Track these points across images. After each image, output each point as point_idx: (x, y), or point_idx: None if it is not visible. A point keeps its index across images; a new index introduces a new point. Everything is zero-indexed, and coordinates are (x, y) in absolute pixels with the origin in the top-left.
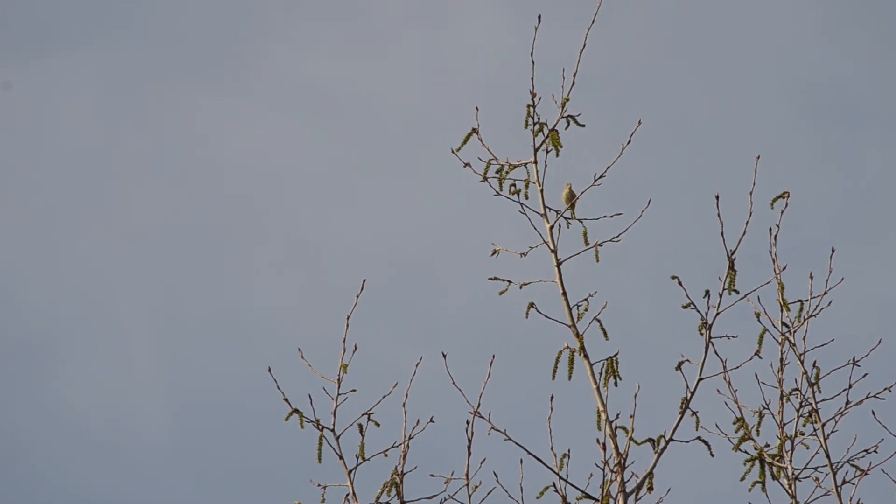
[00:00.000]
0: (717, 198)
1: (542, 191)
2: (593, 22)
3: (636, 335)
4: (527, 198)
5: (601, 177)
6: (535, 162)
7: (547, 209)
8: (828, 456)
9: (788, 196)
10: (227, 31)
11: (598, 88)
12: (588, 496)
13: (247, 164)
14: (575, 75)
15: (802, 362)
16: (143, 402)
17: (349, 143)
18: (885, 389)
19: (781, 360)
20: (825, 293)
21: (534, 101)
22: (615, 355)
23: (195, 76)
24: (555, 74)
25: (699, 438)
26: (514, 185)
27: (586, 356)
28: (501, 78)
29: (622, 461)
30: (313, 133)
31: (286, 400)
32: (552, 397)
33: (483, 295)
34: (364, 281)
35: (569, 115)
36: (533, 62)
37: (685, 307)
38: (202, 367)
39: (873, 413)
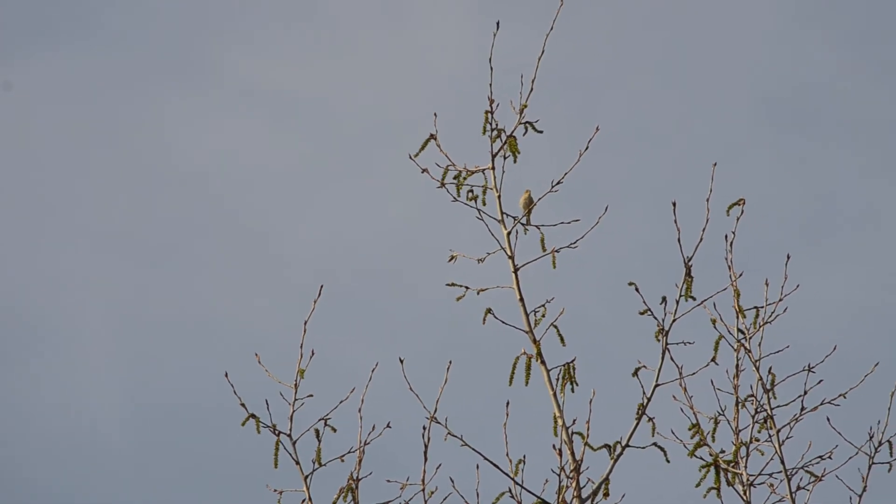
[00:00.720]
0: (674, 204)
1: (499, 197)
2: (552, 28)
3: (593, 341)
4: (484, 204)
5: (558, 183)
6: (493, 168)
7: (504, 215)
8: (782, 462)
9: (744, 203)
10: (188, 33)
11: (557, 92)
12: (544, 502)
13: (208, 166)
14: (533, 81)
15: (758, 369)
16: (100, 403)
17: (310, 144)
18: (840, 396)
19: (737, 366)
20: (781, 300)
21: (492, 108)
22: (572, 361)
23: (158, 78)
24: (514, 76)
25: (655, 444)
26: (472, 191)
27: (543, 362)
28: (462, 78)
29: (578, 467)
30: (275, 134)
31: (243, 405)
32: (508, 403)
33: (441, 300)
34: (322, 287)
35: (527, 122)
36: (491, 68)
37: (642, 313)
38: (160, 369)
39: (828, 419)
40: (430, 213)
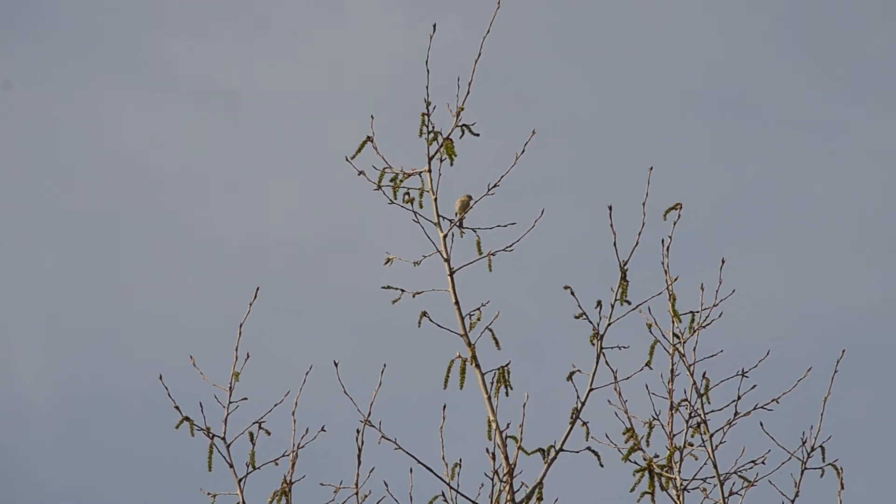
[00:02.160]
0: (611, 208)
1: (435, 200)
2: (488, 31)
3: (528, 345)
4: (421, 206)
5: (495, 186)
6: (430, 171)
7: (441, 218)
8: (715, 467)
9: (681, 207)
10: (126, 24)
11: (493, 90)
12: None
13: (142, 156)
14: (470, 84)
15: (692, 373)
16: (30, 399)
17: (245, 137)
18: (773, 401)
19: (672, 370)
20: (716, 304)
21: (428, 110)
22: (506, 365)
23: (93, 67)
24: (451, 69)
25: (589, 449)
26: (409, 193)
27: (478, 366)
28: (400, 73)
29: (511, 471)
30: (209, 127)
31: (177, 408)
32: (444, 406)
33: (376, 302)
34: (258, 289)
35: (463, 125)
36: (428, 70)
37: (577, 317)
38: (89, 362)
39: (761, 424)
40: (366, 213)
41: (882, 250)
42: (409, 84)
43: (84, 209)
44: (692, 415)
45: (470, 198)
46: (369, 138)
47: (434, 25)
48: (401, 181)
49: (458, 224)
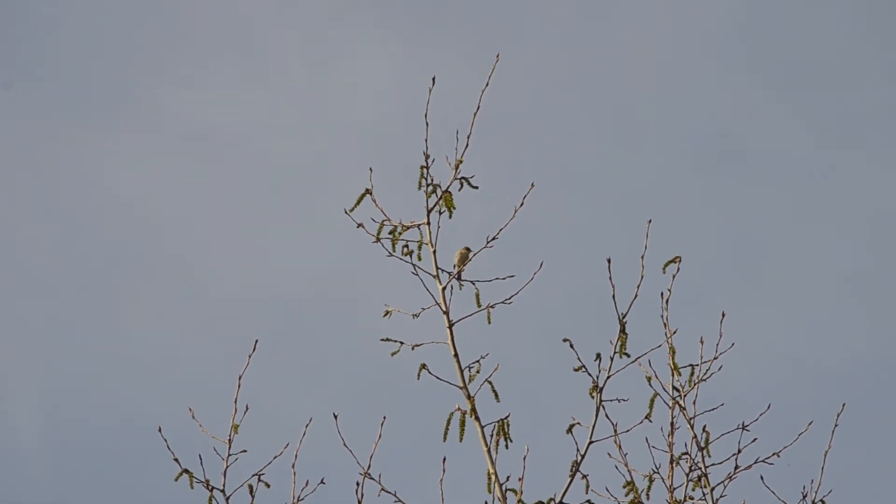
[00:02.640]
0: (609, 261)
1: (434, 252)
2: (487, 84)
3: (528, 397)
4: (420, 259)
5: (493, 239)
6: (429, 223)
7: (440, 270)
8: None
9: (680, 261)
10: (120, 70)
11: (487, 140)
12: None
13: (138, 201)
14: (469, 137)
15: (692, 426)
16: (26, 448)
17: (242, 184)
18: (774, 454)
19: (672, 423)
20: (715, 357)
21: (427, 163)
22: (506, 417)
23: (88, 113)
24: (448, 111)
25: (589, 501)
26: (407, 245)
27: (477, 418)
28: (393, 116)
29: None
30: (206, 173)
31: (176, 460)
32: (444, 459)
33: (375, 354)
34: (257, 342)
35: (462, 177)
36: (427, 123)
37: (577, 370)
38: (89, 416)
39: (762, 478)
40: (364, 265)
41: (878, 299)
42: (405, 127)
43: (82, 253)
44: (692, 468)
45: (469, 250)
46: (368, 191)
47: (433, 79)
48: (400, 234)
49: (456, 276)
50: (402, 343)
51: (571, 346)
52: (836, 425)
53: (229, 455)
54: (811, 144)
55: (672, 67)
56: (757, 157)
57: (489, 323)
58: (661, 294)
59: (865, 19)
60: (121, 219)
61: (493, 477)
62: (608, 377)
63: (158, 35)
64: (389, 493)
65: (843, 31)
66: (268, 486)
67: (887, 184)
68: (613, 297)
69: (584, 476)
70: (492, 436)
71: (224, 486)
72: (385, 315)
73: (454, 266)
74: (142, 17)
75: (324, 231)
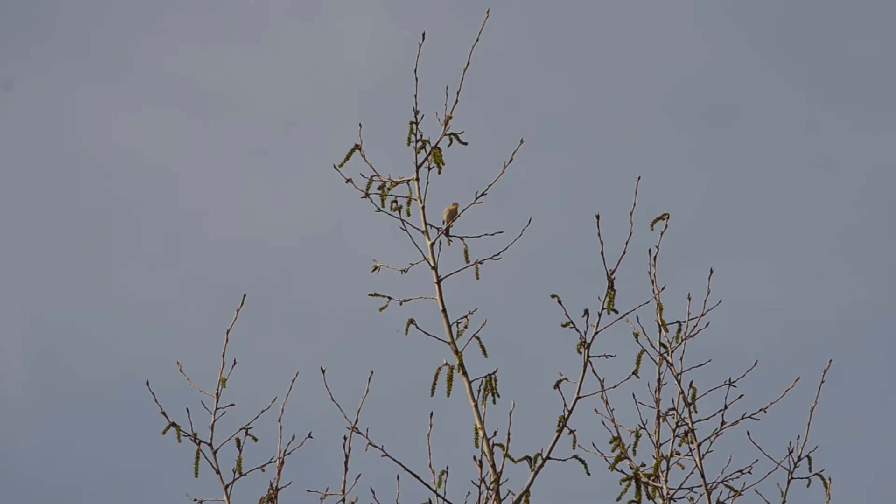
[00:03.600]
0: (598, 217)
1: (423, 208)
2: (477, 40)
3: (515, 353)
4: (409, 214)
5: (482, 195)
6: (418, 179)
7: (428, 226)
8: (703, 476)
9: (668, 218)
10: (105, 24)
11: (477, 93)
12: None
13: (122, 157)
14: (458, 93)
15: (679, 382)
16: (12, 401)
17: (229, 138)
18: (761, 410)
19: (659, 380)
20: (703, 314)
21: (416, 119)
22: (493, 373)
23: (72, 66)
24: (435, 66)
25: (576, 457)
26: (396, 201)
27: (465, 373)
28: (381, 70)
29: (498, 478)
30: (193, 127)
31: (163, 413)
32: (431, 414)
33: (363, 309)
34: (245, 296)
35: (451, 133)
36: (416, 79)
37: (564, 326)
38: (76, 371)
39: (748, 434)
40: (352, 220)
41: (865, 253)
42: (395, 80)
43: (68, 208)
44: (679, 424)
45: (457, 206)
46: (357, 146)
47: (423, 34)
48: (388, 189)
49: (445, 232)
50: (390, 298)
51: (559, 301)
52: (822, 381)
53: (217, 409)
54: (802, 99)
55: (662, 22)
56: (746, 112)
57: (477, 279)
58: (649, 251)
59: None
60: (108, 170)
61: (480, 432)
62: (596, 333)
63: None
64: (377, 447)
65: None
66: (255, 439)
67: (877, 139)
68: (602, 253)
69: (571, 431)
70: (479, 391)
71: (212, 439)
72: (374, 270)
73: (443, 222)
74: None
75: (312, 185)
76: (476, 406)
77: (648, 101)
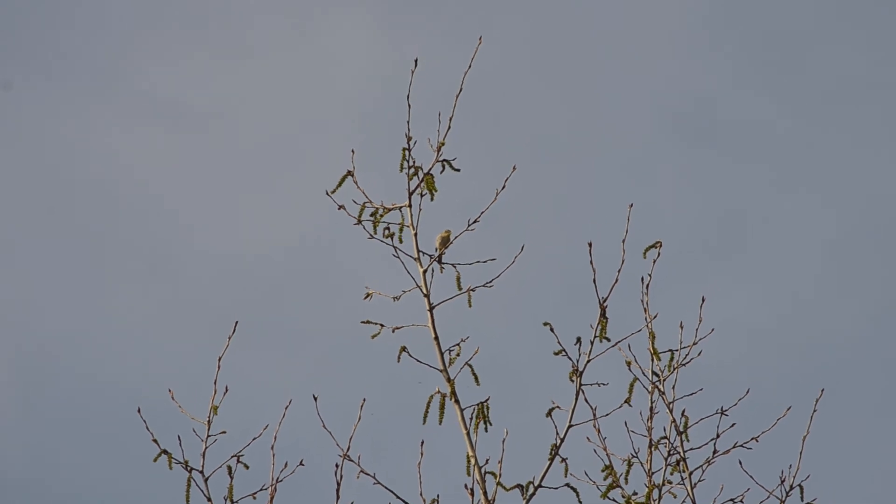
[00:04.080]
0: (590, 245)
1: (415, 235)
2: (470, 66)
3: (508, 380)
4: (401, 241)
5: (475, 222)
6: (410, 205)
7: (421, 253)
8: None
9: (661, 246)
10: (94, 41)
11: (471, 113)
12: None
13: (111, 174)
14: (451, 119)
15: (671, 411)
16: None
17: (216, 158)
18: (752, 439)
19: (651, 408)
20: (695, 343)
21: (409, 145)
22: (486, 401)
23: (60, 84)
24: (426, 84)
25: (568, 485)
26: (388, 228)
27: (457, 401)
28: (372, 86)
29: None
30: (182, 144)
31: (155, 441)
32: (422, 442)
33: (356, 336)
34: (237, 323)
35: (444, 160)
36: (409, 105)
37: (557, 354)
38: (67, 396)
39: (740, 462)
40: (344, 235)
41: (857, 271)
42: (385, 98)
43: (57, 224)
44: (671, 452)
45: (450, 233)
46: (350, 172)
47: (416, 61)
48: (381, 216)
49: (438, 259)
50: (382, 325)
51: (552, 329)
52: (815, 410)
53: (208, 436)
54: (788, 120)
55: (648, 42)
56: (736, 130)
57: (470, 306)
58: (642, 279)
59: None
60: (98, 186)
61: (472, 460)
62: (588, 361)
63: (135, 6)
64: (368, 475)
65: (824, 4)
66: (247, 467)
67: (868, 158)
68: (594, 281)
69: (564, 460)
70: (471, 419)
71: (203, 467)
72: (366, 297)
73: (436, 249)
74: None
75: (306, 211)
76: (468, 434)
77: (641, 116)
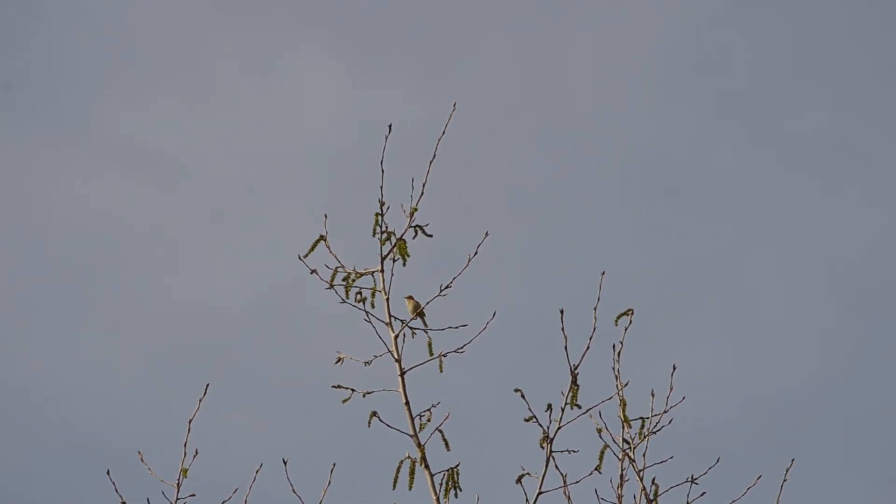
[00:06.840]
0: (562, 312)
1: (388, 300)
2: (444, 133)
3: (478, 446)
4: (373, 306)
5: (447, 287)
6: (382, 271)
7: (392, 318)
8: None
9: (632, 313)
10: (63, 91)
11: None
12: None
13: (74, 222)
14: (424, 185)
15: (642, 479)
16: None
17: (182, 205)
18: None
19: (621, 475)
20: (665, 411)
21: (382, 210)
22: (456, 466)
23: (32, 135)
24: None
25: None
26: (361, 293)
27: (427, 467)
28: (339, 132)
29: None
30: (146, 193)
31: (124, 503)
32: None
33: (326, 401)
34: (207, 385)
35: (417, 225)
36: (382, 171)
37: (527, 420)
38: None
39: None
40: (317, 309)
41: (820, 329)
42: (353, 146)
43: (26, 271)
44: None
45: (414, 300)
46: (322, 237)
47: (390, 126)
48: (353, 280)
49: (409, 325)
50: (353, 390)
51: (523, 396)
52: (784, 479)
53: (178, 500)
54: (753, 174)
55: (613, 97)
56: (706, 185)
57: (441, 371)
58: (613, 346)
59: (809, 50)
60: (60, 236)
61: None
62: (559, 428)
63: (104, 52)
64: None
65: (787, 62)
66: None
67: (835, 212)
68: (566, 348)
69: None
70: (441, 484)
71: None
72: (337, 362)
73: (409, 313)
74: (86, 33)
75: (277, 270)
76: (438, 500)
77: (610, 174)
